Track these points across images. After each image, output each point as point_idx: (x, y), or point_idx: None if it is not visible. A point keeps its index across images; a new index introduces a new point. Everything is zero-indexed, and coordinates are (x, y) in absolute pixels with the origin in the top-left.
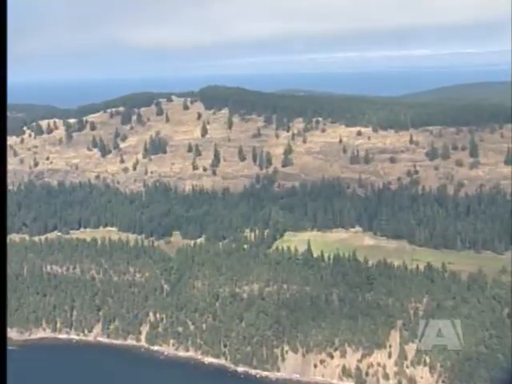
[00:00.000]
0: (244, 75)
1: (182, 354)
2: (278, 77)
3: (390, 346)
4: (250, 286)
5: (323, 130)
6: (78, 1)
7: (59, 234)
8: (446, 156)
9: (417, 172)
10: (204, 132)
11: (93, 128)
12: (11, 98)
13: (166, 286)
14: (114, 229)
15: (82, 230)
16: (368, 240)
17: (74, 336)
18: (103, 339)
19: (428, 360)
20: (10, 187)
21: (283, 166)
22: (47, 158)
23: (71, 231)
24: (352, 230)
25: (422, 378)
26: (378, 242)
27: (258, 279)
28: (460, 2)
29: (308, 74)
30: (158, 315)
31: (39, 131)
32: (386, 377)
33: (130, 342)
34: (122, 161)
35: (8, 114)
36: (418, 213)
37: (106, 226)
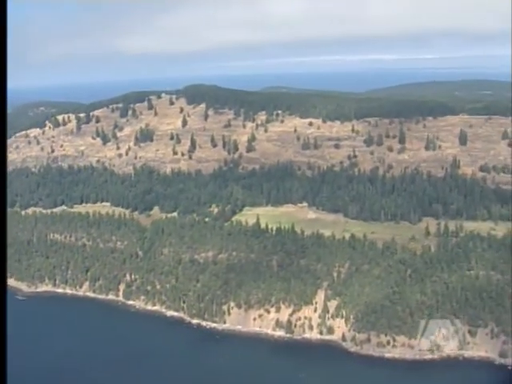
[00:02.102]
0: (230, 76)
1: (149, 307)
2: (266, 76)
3: (316, 303)
4: (206, 254)
5: (282, 121)
6: (80, 17)
7: (65, 207)
8: (380, 143)
9: (355, 156)
10: (184, 123)
11: (97, 121)
12: (44, 97)
13: (140, 253)
14: (108, 204)
15: (83, 204)
16: (311, 214)
17: (68, 290)
18: (90, 294)
19: (344, 313)
20: (32, 169)
21: (247, 152)
22: (61, 146)
23: (75, 205)
24: (299, 205)
25: (338, 327)
26: (319, 216)
27: (213, 247)
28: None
29: (291, 73)
30: (132, 276)
31: (56, 124)
32: (311, 327)
33: (111, 296)
34: (118, 148)
35: (36, 110)
36: (353, 191)
37: (102, 201)
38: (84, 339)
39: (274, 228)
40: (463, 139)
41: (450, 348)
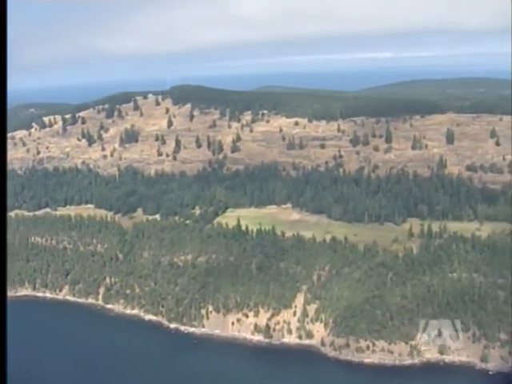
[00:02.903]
0: (223, 76)
1: (128, 311)
2: (263, 76)
3: (295, 307)
4: (185, 257)
5: (267, 121)
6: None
7: (49, 210)
8: (366, 142)
9: (341, 156)
10: (170, 124)
11: (83, 122)
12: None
13: (120, 256)
14: (91, 206)
15: (67, 207)
16: (295, 215)
17: (48, 294)
18: (70, 298)
19: (323, 317)
20: (18, 172)
21: (232, 152)
22: (47, 148)
23: (59, 208)
24: (283, 206)
25: (317, 332)
26: (303, 217)
27: (192, 250)
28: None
29: (287, 72)
30: (112, 279)
31: (43, 125)
32: (290, 332)
33: (90, 300)
34: (103, 149)
35: (26, 111)
36: (337, 191)
37: (86, 203)
38: (58, 344)
39: (255, 230)
40: (450, 138)
41: (431, 353)
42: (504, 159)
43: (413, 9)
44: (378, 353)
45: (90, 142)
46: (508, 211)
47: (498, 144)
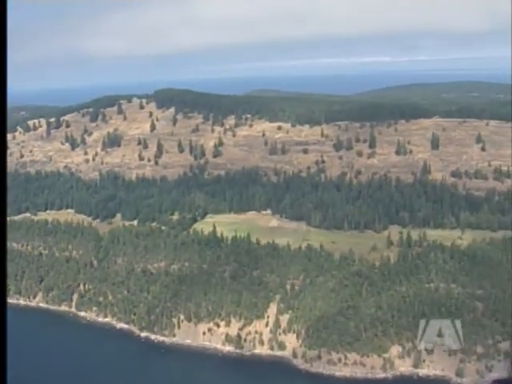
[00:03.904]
0: (214, 79)
1: (100, 319)
2: (259, 79)
3: (268, 317)
4: (159, 264)
5: (250, 125)
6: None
7: (29, 214)
8: (350, 147)
9: (324, 161)
10: (153, 128)
11: (68, 126)
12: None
13: (95, 262)
14: (71, 211)
15: (48, 211)
16: (274, 221)
17: (21, 301)
18: (43, 305)
19: (296, 328)
20: None
21: (214, 157)
22: (30, 151)
23: (39, 212)
24: (263, 212)
25: (290, 343)
26: (282, 224)
27: (166, 258)
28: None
29: (283, 76)
30: (86, 286)
31: (27, 129)
32: (262, 342)
33: (63, 307)
34: (86, 153)
35: (16, 114)
36: (317, 198)
37: (67, 208)
38: (24, 354)
39: (230, 237)
40: (435, 143)
41: (405, 366)
42: (489, 165)
43: (410, 11)
44: (350, 366)
45: (74, 145)
46: (491, 219)
47: (483, 149)
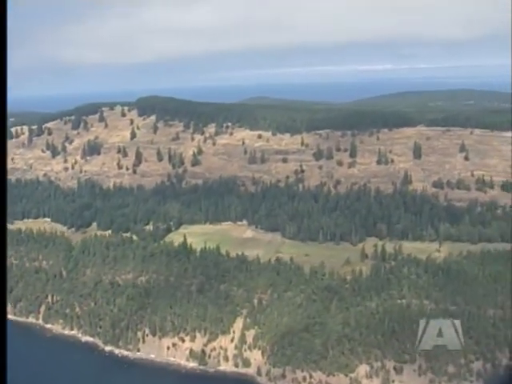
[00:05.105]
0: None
1: (66, 332)
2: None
3: (234, 332)
4: (126, 276)
5: (231, 134)
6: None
7: None
8: (330, 156)
9: (303, 171)
10: (133, 136)
11: (49, 133)
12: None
13: (64, 273)
14: (48, 219)
15: (24, 220)
16: (248, 233)
17: None
18: (10, 316)
19: (262, 344)
20: None
21: (192, 166)
22: (12, 159)
23: (15, 221)
24: (239, 223)
25: (255, 359)
26: (256, 235)
27: (134, 269)
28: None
29: (280, 84)
30: (54, 298)
31: (10, 136)
32: (226, 359)
33: (31, 319)
34: (66, 161)
35: None
36: (293, 208)
37: (43, 217)
38: None
39: (199, 249)
40: (417, 152)
41: None
42: (472, 175)
43: (410, 16)
44: None
45: (54, 153)
46: (472, 231)
47: (466, 159)
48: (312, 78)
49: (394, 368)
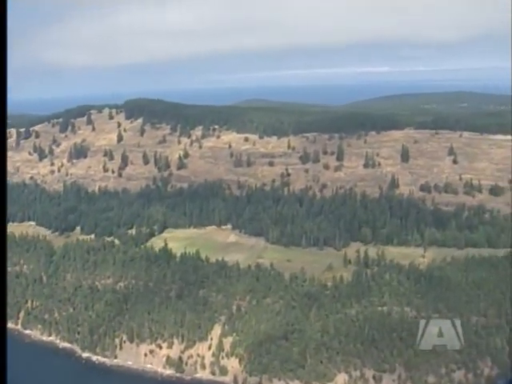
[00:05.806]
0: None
1: (45, 338)
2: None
3: (211, 339)
4: (106, 281)
5: (218, 137)
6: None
7: None
8: (317, 160)
9: (289, 174)
10: (119, 139)
11: (37, 136)
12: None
13: (44, 277)
14: (33, 223)
15: (9, 224)
16: (232, 237)
17: None
18: None
19: (239, 352)
20: None
21: (178, 169)
22: None
23: None
24: (223, 227)
25: (232, 367)
26: (240, 239)
27: (114, 274)
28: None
29: (282, 86)
30: (33, 303)
31: None
32: (204, 366)
33: (10, 325)
34: (52, 164)
35: None
36: (277, 212)
37: (28, 220)
38: None
39: (179, 254)
40: (405, 156)
41: None
42: (460, 179)
43: (411, 18)
44: None
45: (41, 156)
46: (458, 236)
47: (455, 162)
48: (311, 81)
49: (374, 377)
